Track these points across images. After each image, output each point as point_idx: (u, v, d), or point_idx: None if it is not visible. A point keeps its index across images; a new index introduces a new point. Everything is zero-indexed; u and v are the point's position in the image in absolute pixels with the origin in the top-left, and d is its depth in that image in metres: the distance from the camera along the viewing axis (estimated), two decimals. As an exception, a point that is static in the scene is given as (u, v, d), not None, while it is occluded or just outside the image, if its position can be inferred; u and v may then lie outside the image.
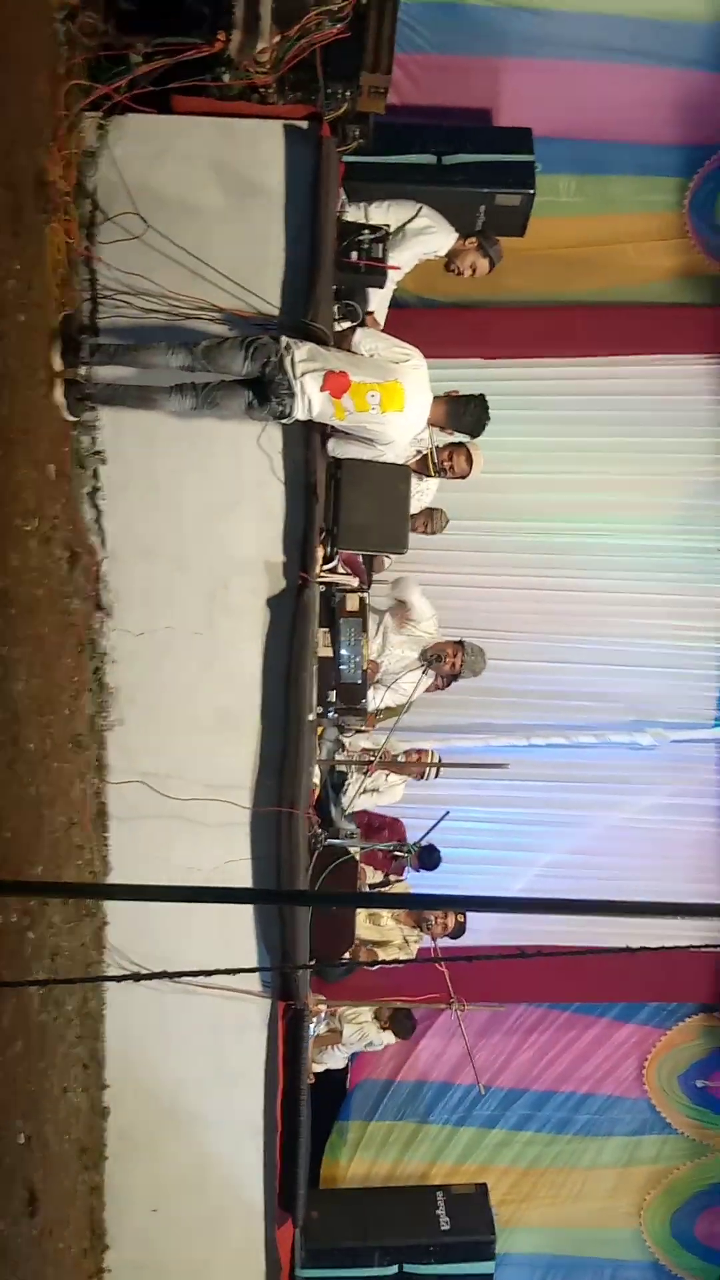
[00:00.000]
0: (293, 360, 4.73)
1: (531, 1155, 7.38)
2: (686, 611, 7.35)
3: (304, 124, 5.17)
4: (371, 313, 5.56)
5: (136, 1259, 5.31)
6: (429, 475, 6.06)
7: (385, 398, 4.92)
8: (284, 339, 4.78)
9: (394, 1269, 6.08)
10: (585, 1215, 7.41)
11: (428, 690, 6.23)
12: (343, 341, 5.10)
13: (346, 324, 5.32)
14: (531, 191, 6.18)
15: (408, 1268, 6.03)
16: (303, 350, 4.79)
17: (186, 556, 5.18)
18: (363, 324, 5.37)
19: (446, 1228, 6.14)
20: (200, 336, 4.90)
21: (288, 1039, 5.25)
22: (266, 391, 4.77)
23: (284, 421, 4.91)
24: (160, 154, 5.05)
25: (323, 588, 5.32)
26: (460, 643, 6.15)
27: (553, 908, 3.54)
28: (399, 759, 6.16)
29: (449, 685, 6.30)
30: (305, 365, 4.75)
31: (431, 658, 6.13)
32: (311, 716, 5.16)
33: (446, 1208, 6.27)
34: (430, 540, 6.50)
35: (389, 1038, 6.69)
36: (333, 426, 5.09)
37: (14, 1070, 4.12)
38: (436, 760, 6.24)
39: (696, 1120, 7.46)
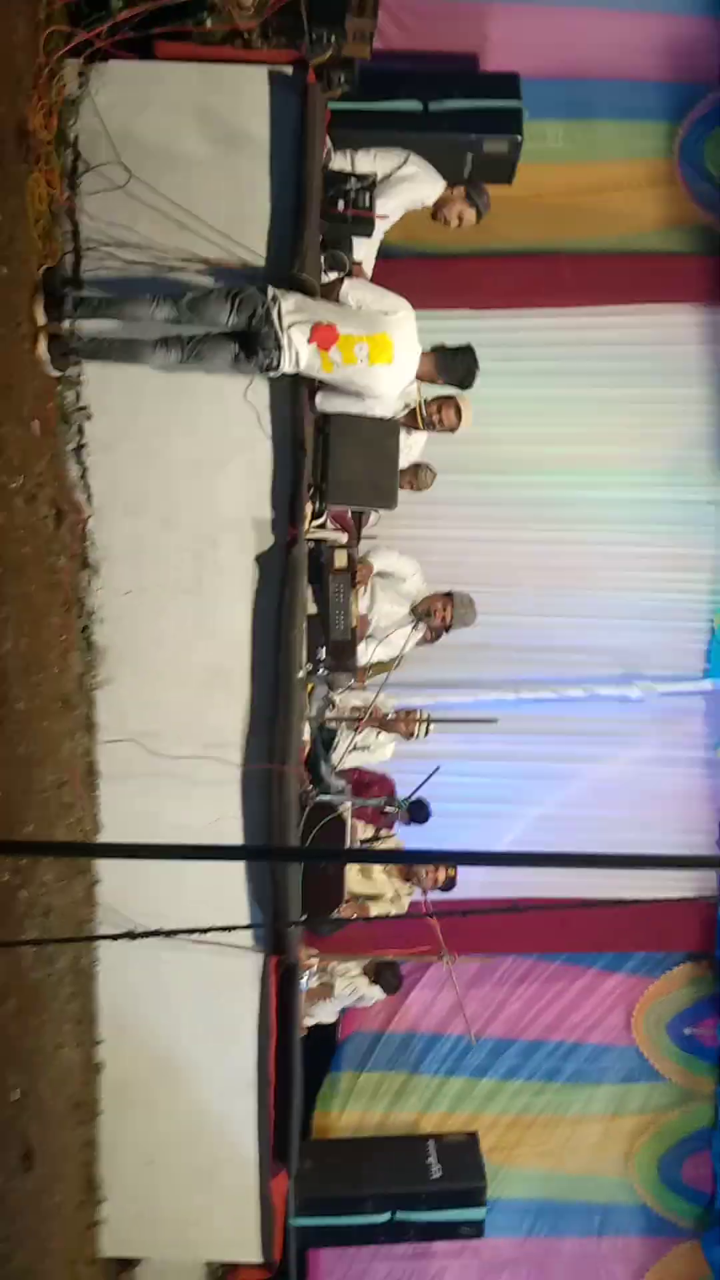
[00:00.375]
0: (279, 312, 4.67)
1: (521, 1103, 7.48)
2: (675, 564, 7.34)
3: (289, 70, 5.06)
4: (359, 263, 5.47)
5: (131, 1211, 5.38)
6: (417, 429, 6.01)
7: (373, 350, 4.86)
8: (270, 290, 4.71)
9: (387, 1216, 6.18)
10: (575, 1161, 7.52)
11: (418, 644, 6.23)
12: (330, 293, 5.03)
13: (334, 274, 5.23)
14: (519, 138, 6.10)
15: (400, 1215, 6.14)
16: (289, 301, 4.72)
17: (174, 514, 5.14)
18: (350, 274, 5.29)
19: (438, 1175, 6.23)
20: (185, 289, 4.82)
21: (280, 993, 5.30)
22: (253, 344, 4.71)
23: (271, 375, 4.85)
24: (143, 101, 4.94)
25: (311, 544, 5.28)
26: (449, 595, 6.15)
27: (542, 861, 3.55)
28: (389, 717, 6.16)
29: (438, 639, 6.30)
30: (292, 317, 4.69)
31: (422, 613, 6.13)
32: (301, 674, 5.14)
33: (438, 1156, 6.36)
34: (418, 494, 6.47)
35: (380, 992, 6.75)
36: (320, 380, 5.03)
37: (7, 1027, 4.14)
38: (426, 718, 6.25)
39: (684, 1067, 7.56)
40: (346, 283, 5.04)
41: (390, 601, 6.17)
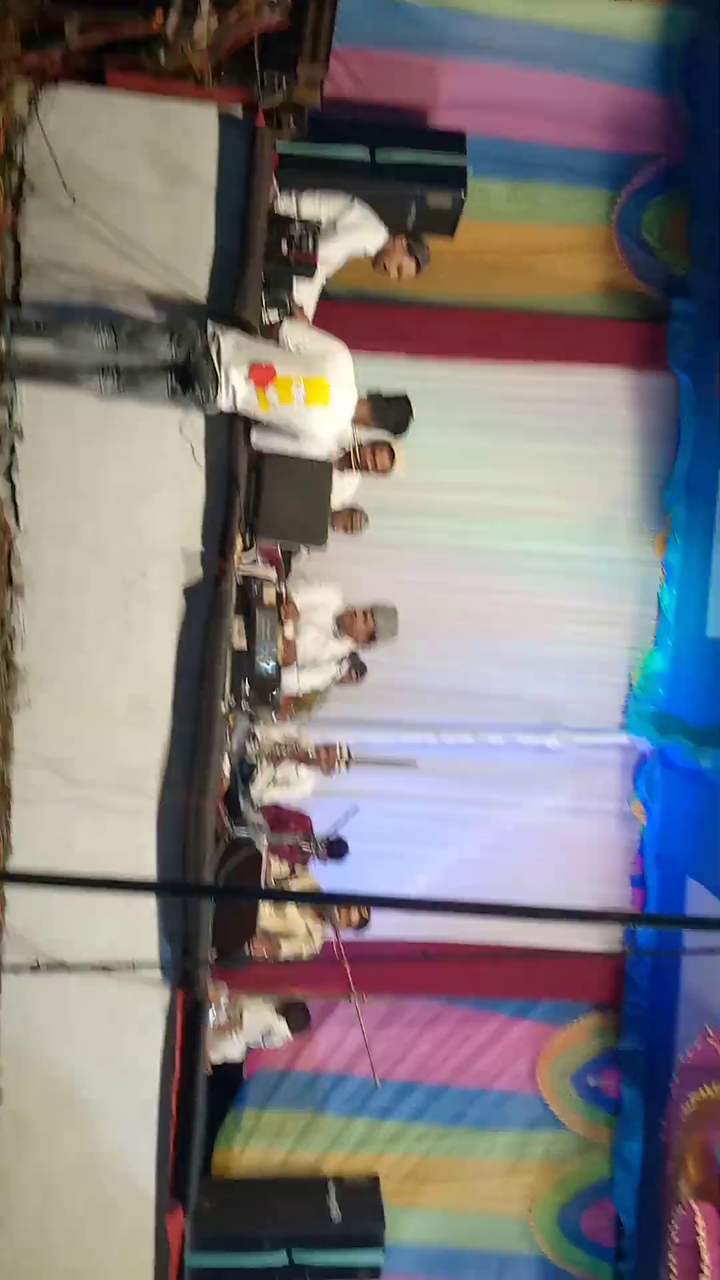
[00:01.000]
0: (219, 348, 4.72)
1: (425, 1146, 7.43)
2: (597, 619, 7.46)
3: (239, 111, 5.16)
4: (301, 306, 5.56)
5: (24, 1245, 5.24)
6: (350, 470, 6.09)
7: (310, 391, 4.92)
8: (210, 326, 4.76)
9: (284, 1256, 6.10)
10: (475, 1206, 7.48)
11: (341, 682, 6.26)
12: (270, 334, 5.10)
13: (275, 314, 5.31)
14: (463, 195, 6.23)
15: (298, 1256, 6.06)
16: (229, 339, 4.77)
17: (103, 542, 5.13)
18: (291, 316, 5.37)
19: (337, 1218, 6.18)
20: (126, 319, 4.85)
21: (186, 1028, 5.25)
22: (190, 378, 4.74)
23: (207, 410, 4.88)
24: (92, 129, 5.00)
25: (240, 579, 5.30)
26: (371, 609, 6.21)
27: (454, 909, 3.56)
28: (309, 753, 6.17)
29: (362, 676, 6.33)
30: (231, 354, 4.74)
31: (346, 627, 6.17)
32: (224, 708, 5.14)
33: (338, 1198, 6.31)
34: (348, 536, 6.53)
35: (285, 1029, 6.70)
36: (255, 419, 5.07)
37: None
38: (346, 755, 6.27)
39: (586, 1118, 7.58)
40: (286, 324, 5.12)
41: (317, 631, 6.21)
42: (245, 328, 4.94)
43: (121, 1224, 5.32)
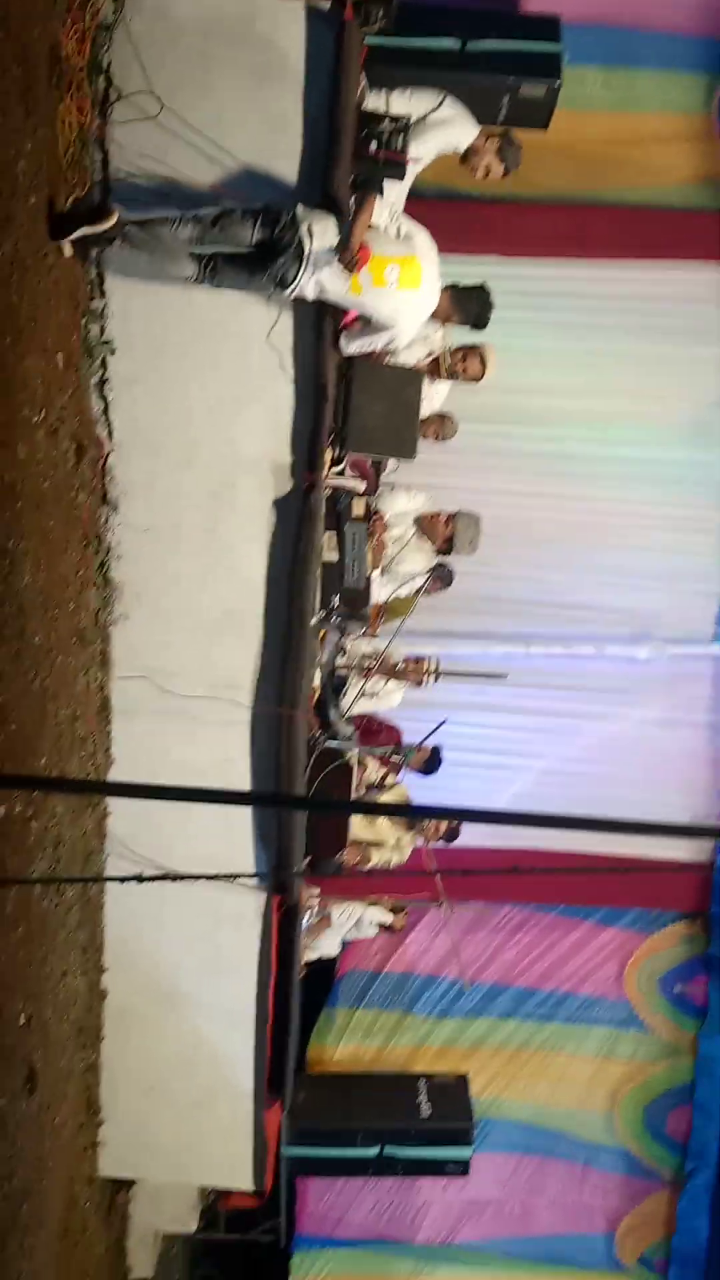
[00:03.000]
0: (310, 227, 4.59)
1: (514, 1041, 7.60)
2: (689, 526, 7.27)
3: (326, 4, 4.98)
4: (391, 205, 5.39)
5: (130, 1135, 5.53)
6: (440, 378, 5.98)
7: (404, 273, 4.78)
8: (300, 206, 4.65)
9: (375, 1150, 6.31)
10: (564, 1098, 7.66)
11: (428, 592, 6.23)
12: (360, 210, 4.87)
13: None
14: (557, 83, 5.93)
15: (389, 1150, 6.27)
16: (319, 218, 4.63)
17: (194, 453, 5.15)
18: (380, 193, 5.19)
19: (427, 1114, 6.36)
20: (211, 209, 4.74)
21: (281, 932, 5.39)
22: (272, 255, 4.61)
23: (289, 292, 4.73)
24: (178, 30, 4.88)
25: (329, 491, 5.28)
26: (454, 514, 6.14)
27: (542, 822, 3.60)
28: (398, 665, 6.19)
29: (447, 585, 6.28)
30: (321, 230, 4.60)
31: (425, 527, 6.12)
32: (314, 620, 5.17)
33: (428, 1094, 6.49)
34: (436, 443, 6.44)
35: (378, 914, 6.83)
36: (342, 305, 4.93)
37: (16, 954, 4.22)
38: (435, 667, 6.27)
39: (673, 1022, 7.66)
40: (378, 200, 4.87)
41: (402, 541, 6.17)
42: (338, 209, 4.78)
43: (221, 1116, 5.56)
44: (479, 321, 5.63)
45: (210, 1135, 5.62)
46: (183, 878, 3.36)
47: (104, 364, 4.97)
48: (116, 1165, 5.60)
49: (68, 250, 4.50)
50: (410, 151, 5.20)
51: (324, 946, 6.74)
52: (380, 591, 5.98)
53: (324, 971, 7.24)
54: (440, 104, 5.34)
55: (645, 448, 7.23)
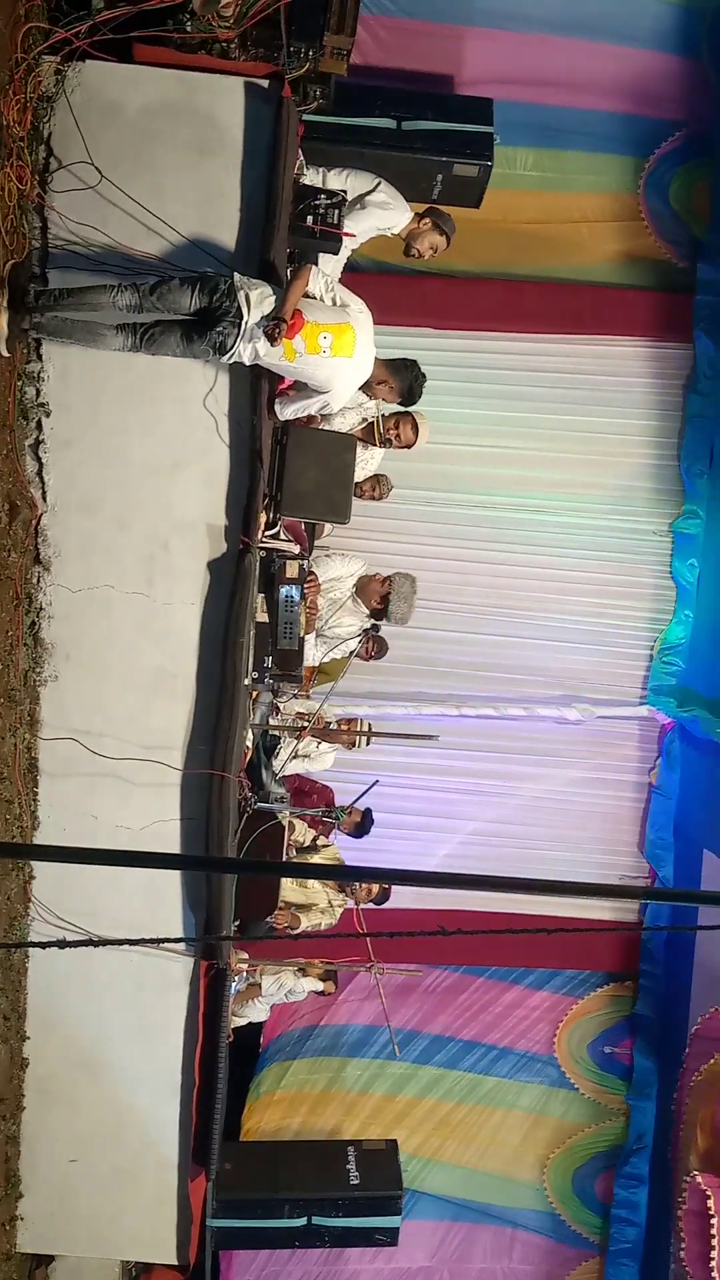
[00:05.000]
0: (246, 295, 4.66)
1: (448, 1100, 7.58)
2: (619, 591, 7.45)
3: (265, 82, 5.11)
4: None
5: (50, 1208, 5.38)
6: (374, 444, 6.09)
7: (336, 340, 4.85)
8: (236, 275, 4.72)
9: (303, 1220, 6.20)
10: (495, 1161, 7.63)
11: (363, 657, 6.29)
12: (295, 278, 4.96)
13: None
14: (490, 163, 6.15)
15: (316, 1220, 6.16)
16: (255, 287, 4.72)
17: (128, 515, 5.16)
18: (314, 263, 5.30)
19: (356, 1182, 6.26)
20: (149, 277, 4.80)
21: (208, 997, 5.33)
22: (210, 322, 4.68)
23: (226, 358, 4.80)
24: (118, 103, 4.97)
25: (263, 553, 5.32)
26: (391, 575, 6.23)
27: (473, 884, 3.62)
28: (330, 726, 6.22)
29: (382, 653, 6.36)
30: (257, 299, 4.67)
31: (360, 588, 6.20)
32: (247, 681, 5.18)
33: (357, 1162, 6.39)
34: (370, 509, 6.55)
35: (309, 984, 6.79)
36: (277, 372, 5.00)
37: (-65, 1022, 4.13)
38: (367, 729, 6.32)
39: (601, 1085, 7.69)
40: (312, 269, 4.97)
41: (337, 601, 6.24)
42: (273, 281, 4.87)
43: (145, 1188, 5.44)
44: (411, 394, 5.75)
45: (134, 1208, 5.48)
46: (108, 943, 3.32)
47: (39, 425, 5.00)
48: (36, 1241, 5.44)
49: (2, 327, 4.55)
50: (345, 227, 5.34)
51: (252, 1013, 6.67)
52: (313, 653, 6.03)
53: (252, 1035, 7.16)
54: (376, 187, 5.50)
55: (574, 515, 7.41)
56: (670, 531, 7.39)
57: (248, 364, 4.85)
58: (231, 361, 4.84)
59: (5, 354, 4.67)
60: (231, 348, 4.72)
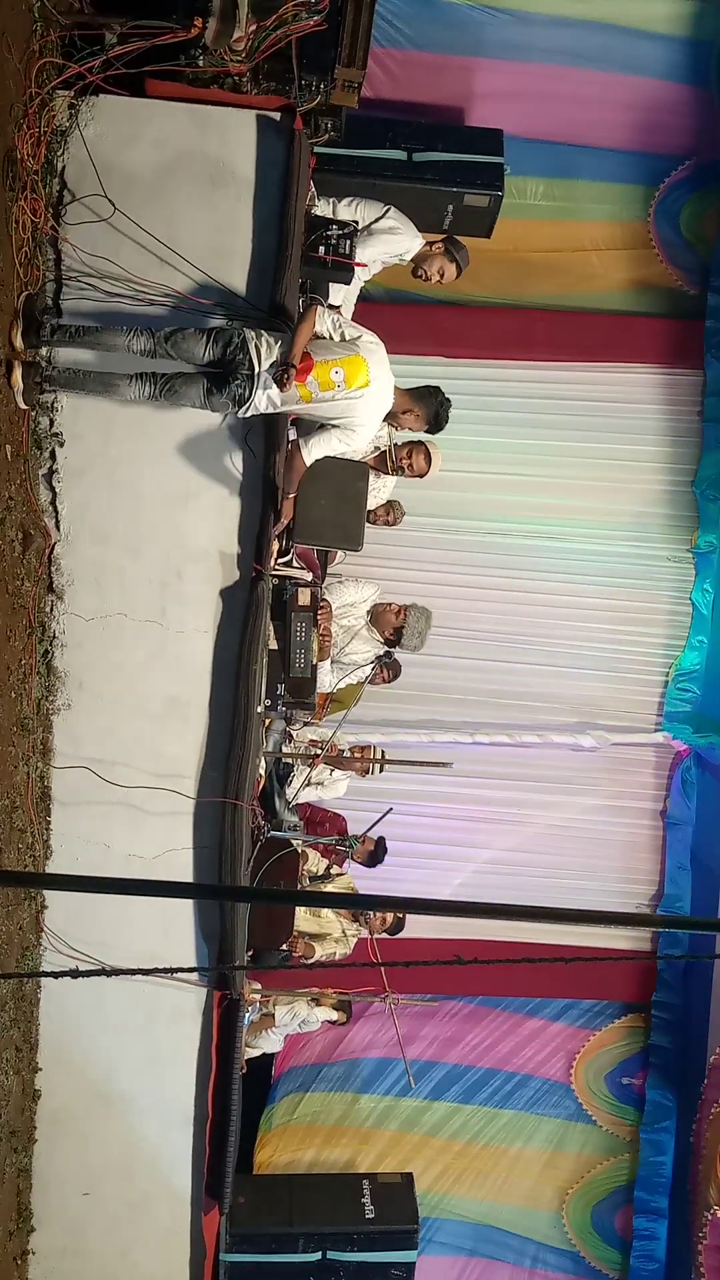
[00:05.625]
0: (257, 347, 4.69)
1: (464, 1134, 7.51)
2: (633, 618, 7.45)
3: (277, 115, 5.15)
4: (338, 308, 5.55)
5: (62, 1242, 5.32)
6: (387, 473, 6.10)
7: (349, 373, 4.82)
8: (247, 329, 4.76)
9: (318, 1255, 6.13)
10: (512, 1195, 7.55)
11: (375, 683, 6.27)
12: (302, 321, 4.98)
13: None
14: (500, 193, 6.21)
15: (331, 1254, 6.09)
16: (264, 336, 4.74)
17: (141, 543, 5.17)
18: (326, 297, 5.32)
19: (371, 1216, 6.20)
20: (164, 323, 4.87)
21: (222, 1028, 5.29)
22: (226, 376, 4.72)
23: (244, 411, 4.84)
24: (131, 137, 5.02)
25: (276, 581, 5.33)
26: (407, 606, 6.22)
27: (488, 912, 3.58)
28: (344, 754, 6.20)
29: (395, 676, 6.34)
30: (267, 351, 4.70)
31: (375, 616, 6.19)
32: (260, 709, 5.17)
33: (372, 1196, 6.33)
34: (384, 536, 6.56)
35: (323, 1014, 6.74)
36: (297, 414, 5.02)
37: (-53, 1053, 4.11)
38: (380, 757, 6.29)
39: (619, 1117, 7.60)
40: (317, 309, 4.99)
41: (350, 628, 6.23)
42: (284, 321, 4.90)
43: (158, 1222, 5.38)
44: (438, 421, 5.72)
45: (146, 1242, 5.42)
46: (121, 973, 3.29)
47: (53, 455, 5.02)
48: (48, 1275, 5.38)
49: (17, 382, 4.59)
50: (357, 257, 5.37)
51: (265, 1044, 6.63)
52: (326, 680, 6.02)
53: (266, 1065, 7.11)
54: (385, 214, 5.53)
55: (588, 541, 7.41)
56: (686, 557, 7.38)
57: (265, 411, 4.84)
58: (250, 414, 4.85)
59: (23, 406, 4.71)
60: (249, 400, 4.73)
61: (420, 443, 6.08)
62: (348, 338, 4.95)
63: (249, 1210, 5.93)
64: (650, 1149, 7.45)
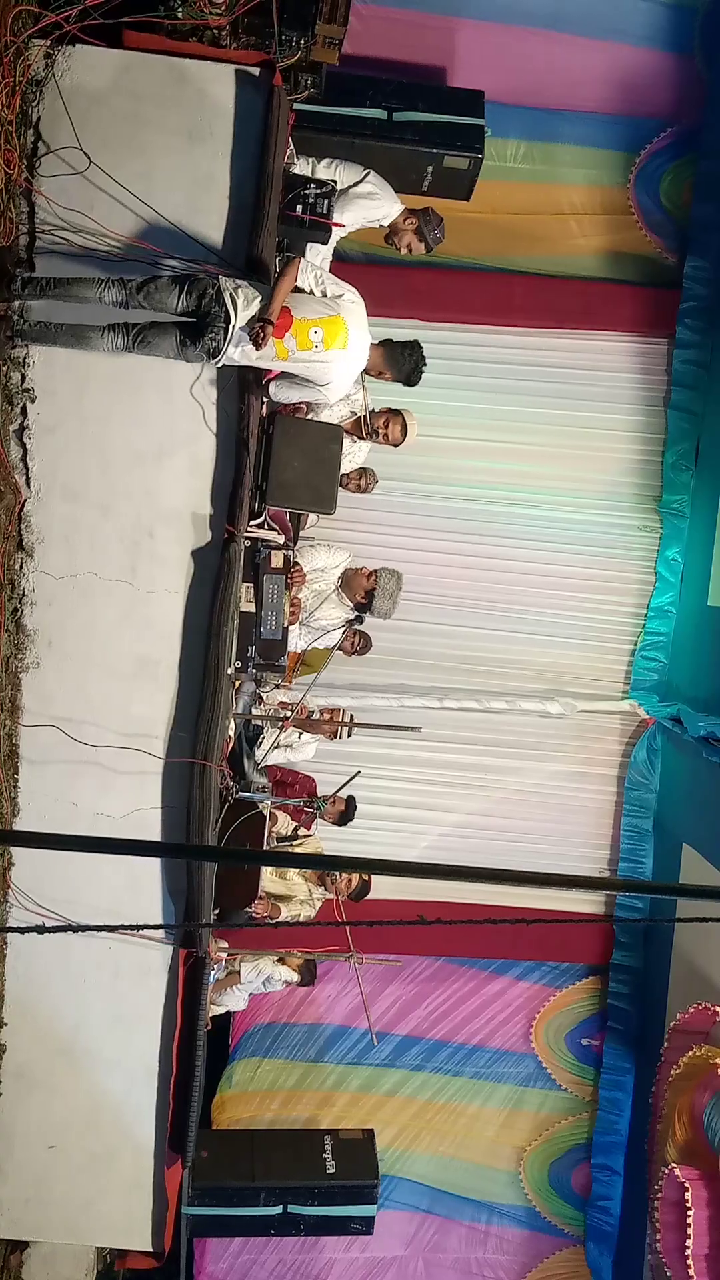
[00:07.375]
0: (232, 296, 4.63)
1: (424, 1093, 7.61)
2: (603, 586, 7.49)
3: (256, 70, 5.09)
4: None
5: (26, 1194, 5.38)
6: (362, 438, 6.09)
7: (328, 333, 4.79)
8: (222, 277, 4.70)
9: (279, 1208, 6.22)
10: (471, 1153, 7.67)
11: (346, 651, 6.29)
12: (282, 275, 4.93)
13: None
14: (480, 155, 6.15)
15: (292, 1208, 6.18)
16: (242, 288, 4.69)
17: (113, 502, 5.14)
18: (303, 255, 5.27)
19: (332, 1171, 6.29)
20: (137, 274, 4.80)
21: (187, 985, 5.33)
22: (201, 327, 4.65)
23: (217, 361, 4.76)
24: (108, 89, 4.94)
25: (248, 543, 5.32)
26: (377, 570, 6.23)
27: (453, 874, 3.64)
28: (313, 716, 6.22)
29: (366, 648, 6.37)
30: (245, 301, 4.64)
31: (345, 581, 6.20)
32: (230, 670, 5.18)
33: (333, 1152, 6.41)
34: (357, 500, 6.53)
35: (286, 973, 6.79)
36: (274, 371, 4.99)
37: None
38: (349, 720, 6.32)
39: (579, 1077, 7.74)
40: (300, 262, 4.89)
41: (321, 595, 6.24)
42: (261, 276, 4.85)
43: (122, 1175, 5.45)
44: (410, 378, 5.68)
45: (109, 1194, 5.49)
46: (87, 929, 3.31)
47: (24, 411, 4.98)
48: (11, 1227, 5.45)
49: None
50: (334, 217, 5.32)
51: (230, 1002, 6.68)
52: (297, 643, 6.03)
53: (225, 1024, 7.17)
54: (364, 178, 5.48)
55: (558, 509, 7.43)
56: (654, 526, 7.42)
57: (240, 364, 4.81)
58: (223, 365, 4.81)
59: None
60: (223, 351, 4.68)
61: (398, 413, 6.06)
62: (330, 295, 4.91)
63: (211, 1164, 5.99)
64: (608, 1106, 7.59)
